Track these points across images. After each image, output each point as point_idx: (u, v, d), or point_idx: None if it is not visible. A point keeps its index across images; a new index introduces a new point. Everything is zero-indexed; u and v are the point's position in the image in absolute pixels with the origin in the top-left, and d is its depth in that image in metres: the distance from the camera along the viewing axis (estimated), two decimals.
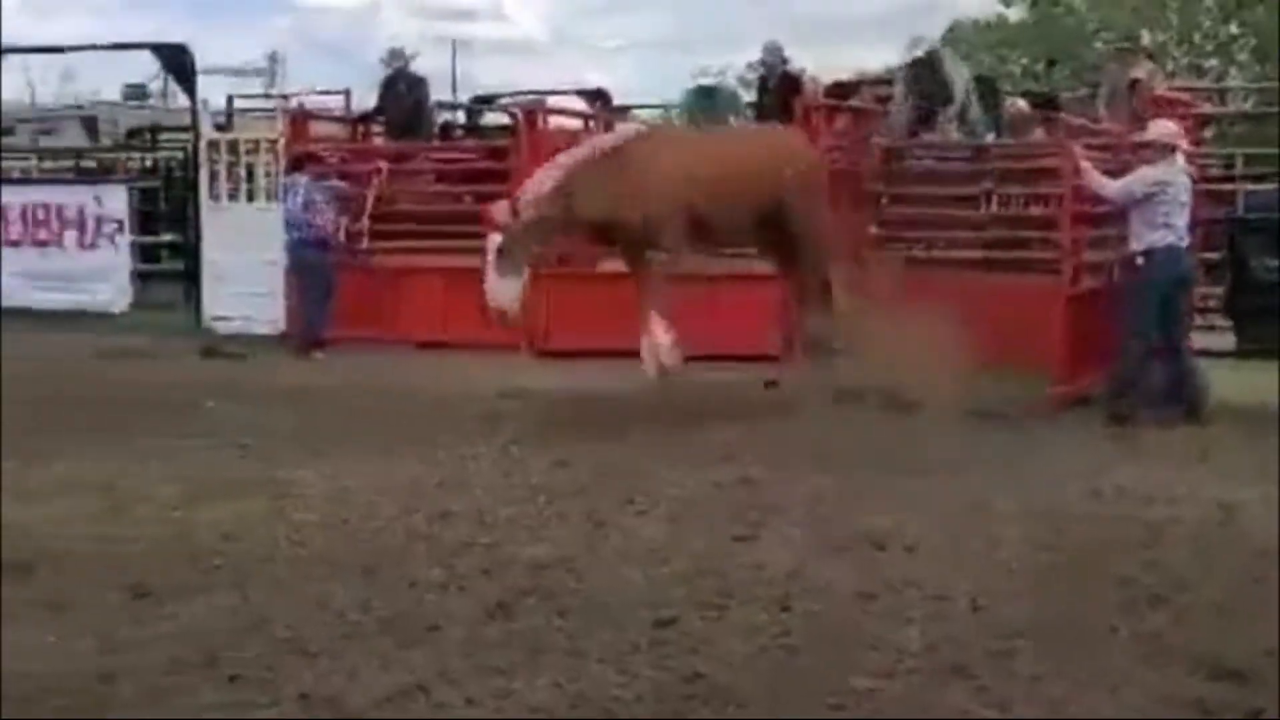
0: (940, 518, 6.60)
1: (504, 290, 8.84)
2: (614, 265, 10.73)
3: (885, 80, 13.05)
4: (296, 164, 13.29)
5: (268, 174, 13.89)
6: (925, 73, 12.10)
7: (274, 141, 14.06)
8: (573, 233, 9.86)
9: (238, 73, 21.14)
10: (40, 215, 14.64)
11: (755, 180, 9.61)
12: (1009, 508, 6.82)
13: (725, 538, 6.26)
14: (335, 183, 13.26)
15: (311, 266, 12.69)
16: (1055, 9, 33.17)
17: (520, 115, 13.71)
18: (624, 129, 11.12)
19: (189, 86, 14.98)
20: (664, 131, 12.62)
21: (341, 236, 13.04)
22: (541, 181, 9.16)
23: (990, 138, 12.16)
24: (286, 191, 13.10)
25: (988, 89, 13.12)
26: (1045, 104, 13.35)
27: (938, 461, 7.74)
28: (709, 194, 9.33)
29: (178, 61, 15.14)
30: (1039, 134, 12.16)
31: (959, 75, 12.43)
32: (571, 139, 14.40)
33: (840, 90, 13.00)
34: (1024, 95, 13.82)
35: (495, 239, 8.85)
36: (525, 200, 8.99)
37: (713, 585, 5.52)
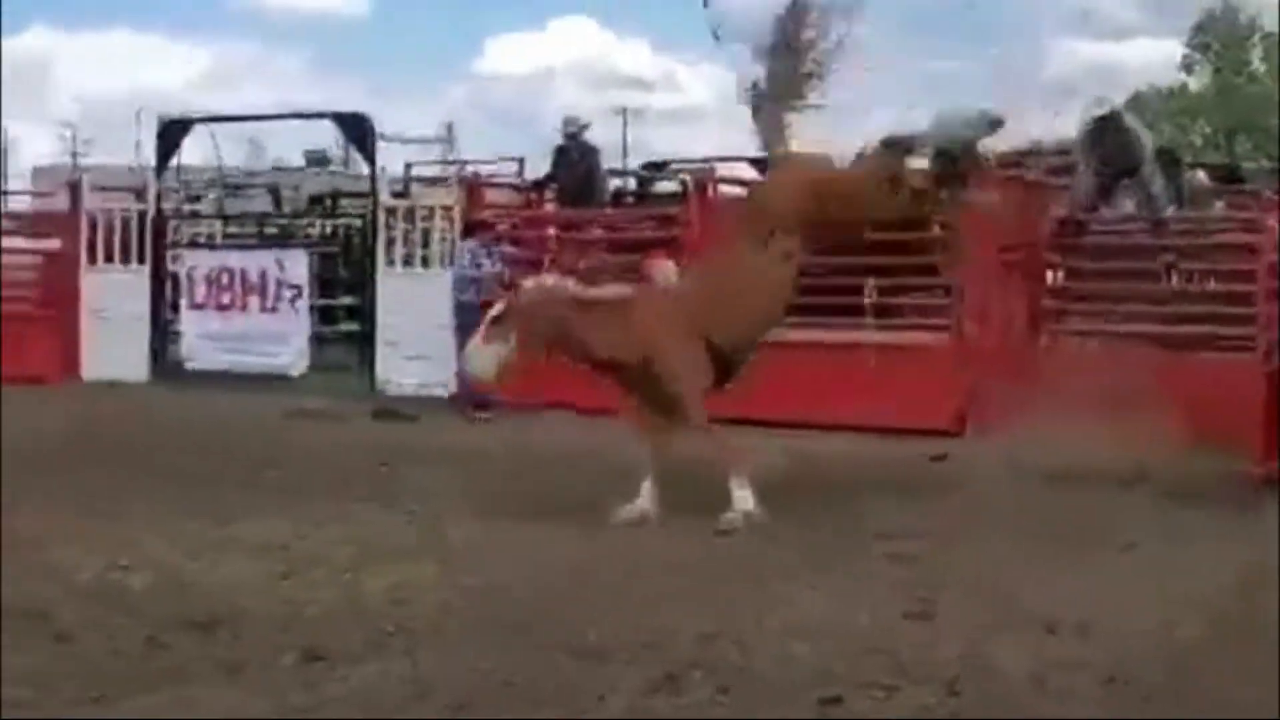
0: (1118, 598, 6.40)
1: (480, 356, 8.69)
2: (799, 335, 10.65)
3: (1060, 151, 12.85)
4: (469, 230, 13.60)
5: (442, 240, 14.20)
6: (1108, 134, 11.85)
7: (449, 208, 14.37)
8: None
9: (415, 141, 21.53)
10: (225, 279, 15.09)
11: None
12: (1191, 589, 6.59)
13: (895, 615, 6.15)
14: (505, 247, 13.51)
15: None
16: (1238, 78, 32.48)
17: (690, 183, 13.80)
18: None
19: (369, 154, 15.35)
20: None
21: None
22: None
23: (1171, 210, 11.89)
24: (457, 256, 13.41)
25: (1169, 160, 12.85)
26: (1227, 176, 13.05)
27: (1120, 540, 7.52)
28: None
29: (358, 130, 15.54)
30: (1219, 207, 11.89)
31: (1143, 137, 12.18)
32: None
33: (1012, 160, 12.85)
34: (1203, 166, 13.53)
35: (497, 306, 8.69)
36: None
37: (881, 664, 5.42)
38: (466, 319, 12.82)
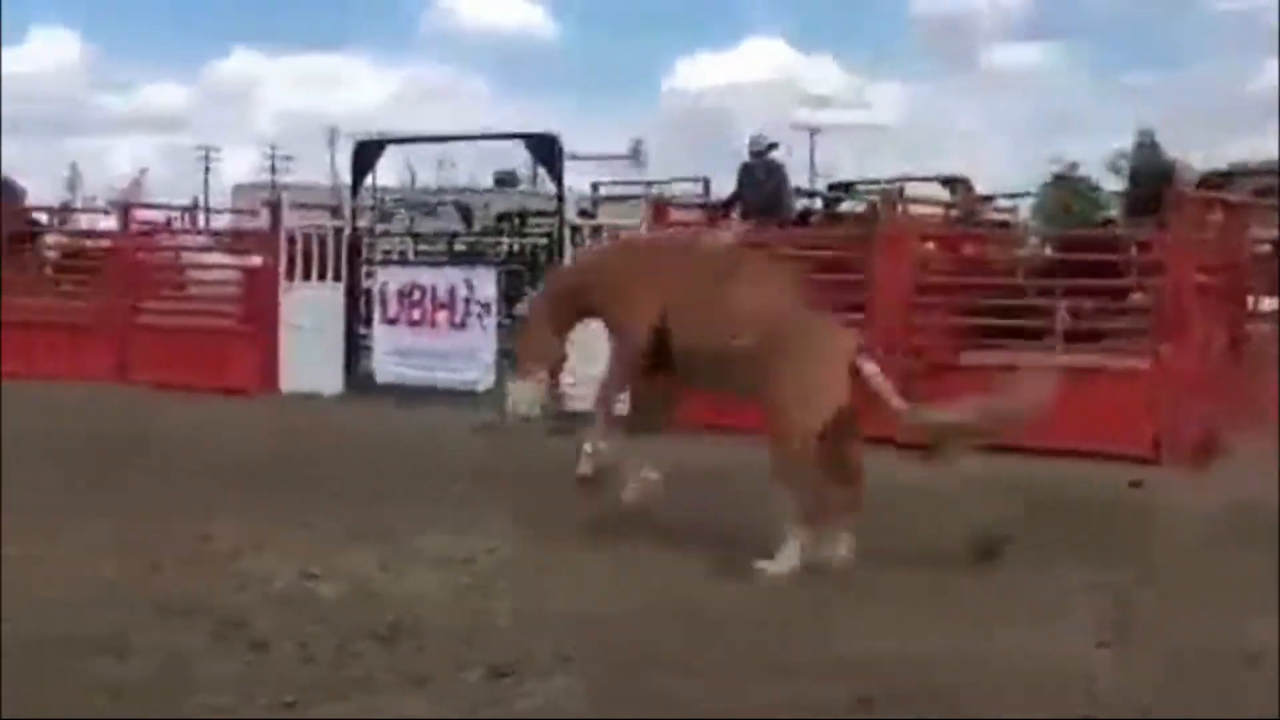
0: None
1: (520, 392, 8.57)
2: (990, 358, 10.47)
3: (1268, 171, 12.47)
4: None
5: None
6: None
7: (635, 227, 14.43)
8: None
9: (603, 159, 21.74)
10: (416, 296, 15.36)
11: None
12: None
13: (1089, 644, 5.99)
14: None
15: None
16: None
17: (879, 202, 13.66)
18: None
19: (556, 174, 15.49)
20: None
21: None
22: None
23: None
24: None
25: None
26: None
27: None
28: None
29: (546, 150, 15.68)
30: None
31: None
32: (931, 226, 14.31)
33: (1216, 181, 12.49)
34: None
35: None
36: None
37: (1075, 694, 5.28)
38: None
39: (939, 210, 14.75)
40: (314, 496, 8.99)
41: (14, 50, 69.15)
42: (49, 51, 67.37)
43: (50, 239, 18.26)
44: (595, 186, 18.90)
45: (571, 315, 8.79)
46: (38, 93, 68.66)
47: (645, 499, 8.21)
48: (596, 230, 14.88)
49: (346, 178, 17.15)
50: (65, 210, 18.82)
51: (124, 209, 17.56)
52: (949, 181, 16.76)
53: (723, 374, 7.76)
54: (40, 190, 19.21)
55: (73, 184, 18.22)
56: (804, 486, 7.34)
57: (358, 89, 70.79)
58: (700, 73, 77.93)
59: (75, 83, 68.81)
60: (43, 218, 19.64)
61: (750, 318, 7.59)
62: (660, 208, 15.06)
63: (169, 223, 19.09)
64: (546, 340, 8.85)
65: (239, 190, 35.23)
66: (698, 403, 9.18)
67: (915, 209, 13.79)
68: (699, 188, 18.33)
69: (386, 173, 17.48)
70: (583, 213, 15.83)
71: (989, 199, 16.76)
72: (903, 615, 6.43)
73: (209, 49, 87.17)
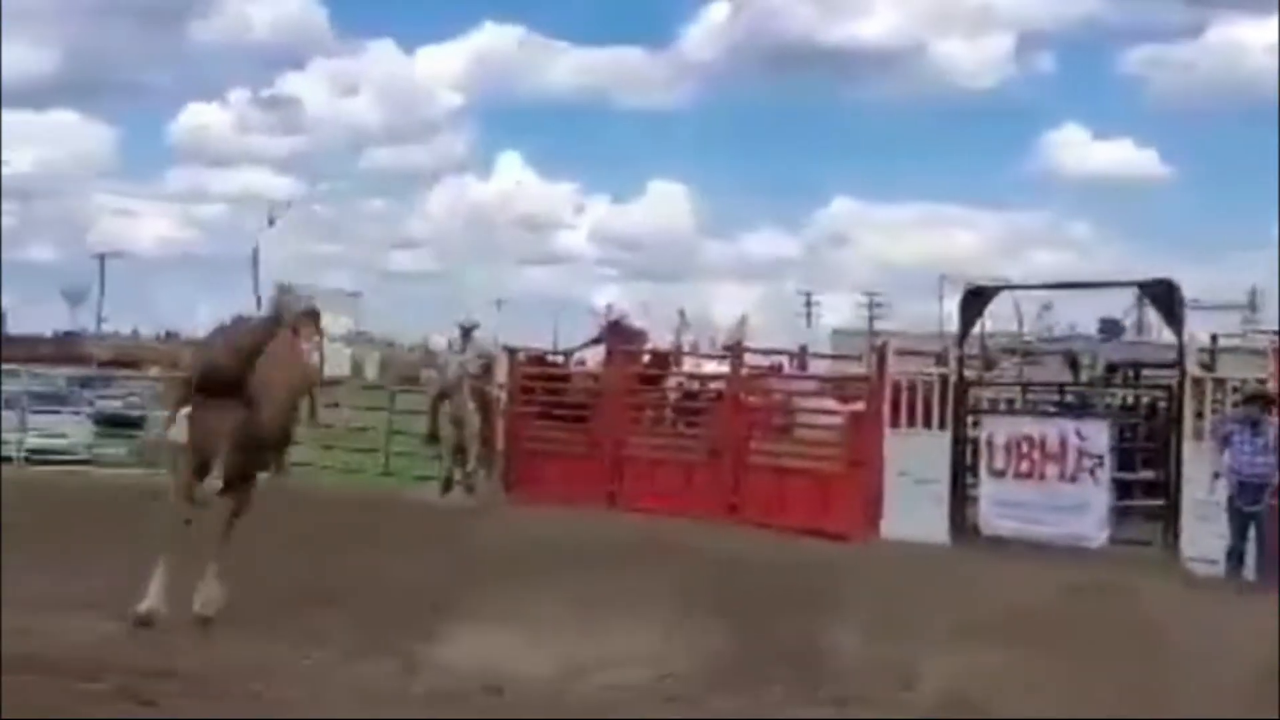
0: None
1: None
2: None
3: None
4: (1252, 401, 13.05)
5: None
6: None
7: (1262, 380, 13.65)
8: None
9: (1218, 307, 20.76)
10: (1023, 447, 15.05)
11: None
12: None
13: None
14: None
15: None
16: None
17: None
18: None
19: (1175, 323, 14.85)
20: None
21: None
22: None
23: None
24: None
25: None
26: None
27: None
28: None
29: (1164, 298, 15.09)
30: None
31: None
32: None
33: None
34: None
35: None
36: None
37: None
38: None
39: None
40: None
41: (627, 204, 74.44)
42: (661, 205, 71.85)
43: (672, 381, 19.23)
44: (1214, 337, 17.97)
45: None
46: (650, 241, 73.24)
47: None
48: (1220, 384, 14.16)
49: (952, 325, 17.14)
50: (682, 353, 19.74)
51: (736, 354, 18.25)
52: None
53: None
54: (654, 335, 20.22)
55: (680, 329, 19.31)
56: None
57: (955, 237, 71.10)
58: None
59: (685, 232, 72.77)
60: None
61: None
62: None
63: (778, 367, 19.64)
64: None
65: (837, 336, 36.07)
66: None
67: None
68: None
69: (995, 320, 17.30)
70: (1203, 365, 15.07)
71: None
72: None
73: (811, 200, 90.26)
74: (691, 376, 19.41)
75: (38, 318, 66.64)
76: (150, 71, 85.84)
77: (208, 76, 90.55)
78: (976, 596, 11.48)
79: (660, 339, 20.00)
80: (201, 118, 70.68)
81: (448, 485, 18.23)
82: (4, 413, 21.63)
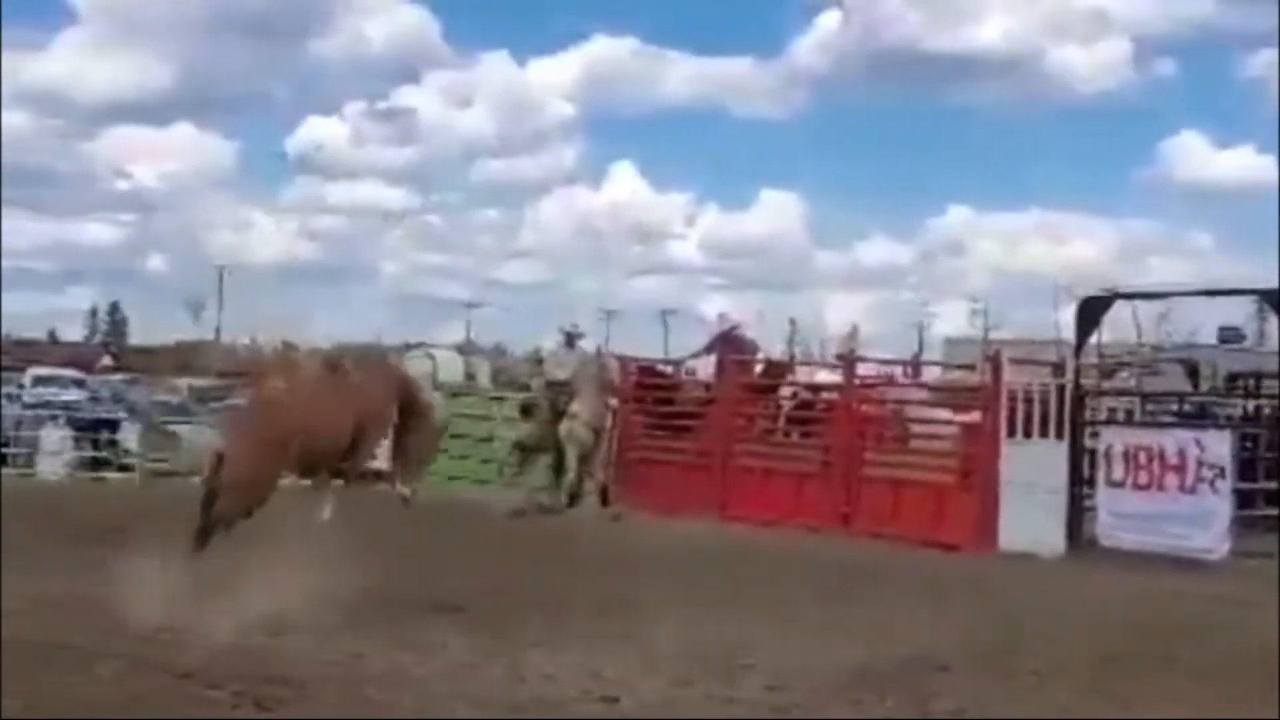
0: None
1: None
2: None
3: None
4: None
5: None
6: None
7: None
8: None
9: None
10: (1142, 457, 14.82)
11: None
12: None
13: None
14: None
15: None
16: None
17: None
18: None
19: None
20: None
21: None
22: None
23: None
24: None
25: None
26: None
27: None
28: None
29: None
30: None
31: None
32: None
33: None
34: None
35: None
36: None
37: None
38: None
39: None
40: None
41: (738, 214, 74.27)
42: (772, 214, 71.70)
43: (786, 390, 19.18)
44: None
45: None
46: (763, 250, 73.08)
47: None
48: None
49: (1069, 334, 16.92)
50: (794, 363, 19.71)
51: (849, 363, 18.16)
52: None
53: None
54: (765, 344, 20.20)
55: (791, 338, 19.25)
56: None
57: (1071, 245, 70.09)
58: None
59: (796, 241, 72.53)
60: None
61: None
62: None
63: (890, 378, 19.52)
64: None
65: (950, 344, 35.77)
66: None
67: None
68: None
69: (1113, 328, 17.02)
70: None
71: None
72: None
73: (925, 207, 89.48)
74: (806, 386, 19.35)
75: (159, 329, 67.90)
76: (268, 85, 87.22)
77: (324, 90, 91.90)
78: (1098, 610, 11.34)
79: (772, 348, 19.93)
80: (319, 131, 71.66)
81: (574, 497, 17.65)
82: (124, 424, 22.17)
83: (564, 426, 17.65)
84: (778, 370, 19.61)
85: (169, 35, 73.82)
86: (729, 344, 19.35)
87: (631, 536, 14.80)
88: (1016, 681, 8.52)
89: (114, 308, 73.28)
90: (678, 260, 77.85)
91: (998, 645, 9.33)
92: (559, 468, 17.82)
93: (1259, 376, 17.69)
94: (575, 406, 17.67)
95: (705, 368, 19.69)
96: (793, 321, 20.43)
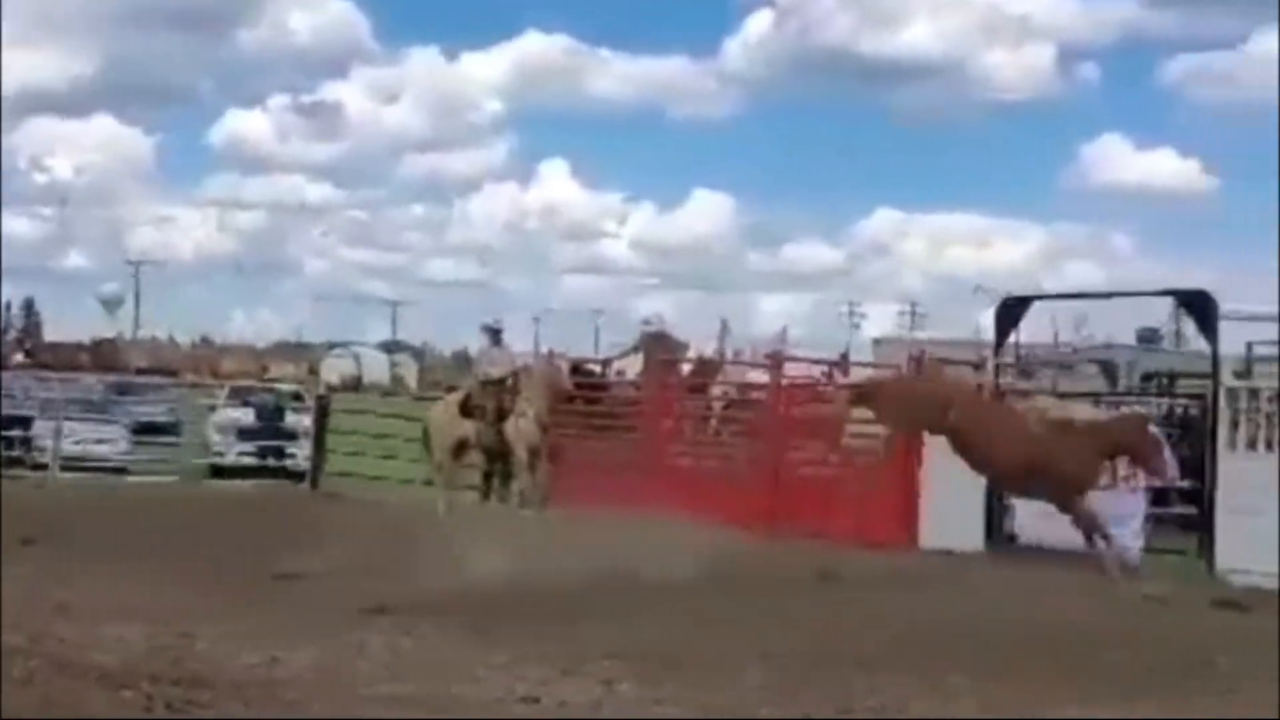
0: None
1: None
2: None
3: None
4: None
5: None
6: None
7: None
8: None
9: (1255, 318, 20.64)
10: None
11: None
12: None
13: None
14: None
15: None
16: None
17: None
18: None
19: (1209, 333, 14.84)
20: None
21: None
22: None
23: None
24: None
25: None
26: None
27: None
28: None
29: (1199, 308, 15.09)
30: None
31: None
32: None
33: None
34: None
35: None
36: None
37: None
38: None
39: None
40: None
41: (671, 213, 74.54)
42: (704, 213, 72.02)
43: (716, 390, 19.22)
44: (1249, 346, 17.94)
45: None
46: (694, 250, 73.38)
47: None
48: (1254, 394, 14.17)
49: (989, 334, 17.15)
50: (724, 362, 19.74)
51: (778, 363, 18.25)
52: None
53: None
54: (696, 343, 20.23)
55: (721, 338, 19.33)
56: None
57: (995, 247, 70.93)
58: None
59: (728, 241, 72.93)
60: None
61: None
62: None
63: (819, 380, 19.62)
64: None
65: (879, 345, 36.06)
66: None
67: None
68: None
69: (1029, 330, 17.26)
70: (1237, 374, 15.08)
71: None
72: None
73: (853, 209, 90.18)
74: (739, 386, 19.37)
75: (74, 325, 67.03)
76: (190, 78, 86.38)
77: (248, 83, 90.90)
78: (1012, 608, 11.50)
79: (704, 348, 19.93)
80: (241, 124, 71.06)
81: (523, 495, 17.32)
82: (38, 421, 21.90)
83: (511, 425, 17.29)
84: (708, 369, 19.63)
85: (90, 25, 72.97)
86: (657, 343, 19.34)
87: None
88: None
89: (29, 303, 72.42)
90: (610, 259, 78.07)
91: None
92: (505, 468, 17.56)
93: (1173, 376, 18.00)
94: (523, 405, 17.34)
95: (633, 367, 19.67)
96: (724, 321, 20.52)
